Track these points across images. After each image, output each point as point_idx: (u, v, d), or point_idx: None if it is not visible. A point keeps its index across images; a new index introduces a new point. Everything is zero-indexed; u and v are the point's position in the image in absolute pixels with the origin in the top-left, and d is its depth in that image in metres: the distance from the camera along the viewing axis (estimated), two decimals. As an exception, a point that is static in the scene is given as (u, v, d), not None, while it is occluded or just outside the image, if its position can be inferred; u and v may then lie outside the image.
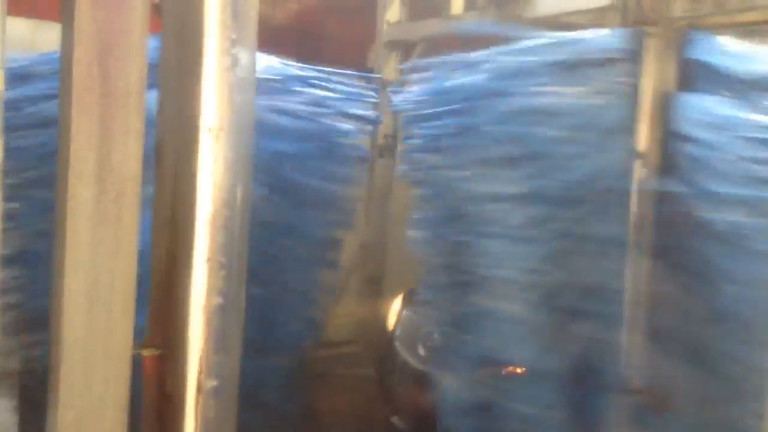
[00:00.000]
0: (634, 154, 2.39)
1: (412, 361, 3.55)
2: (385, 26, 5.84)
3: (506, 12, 4.64)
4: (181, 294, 1.56)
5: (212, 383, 1.61)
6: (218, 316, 1.61)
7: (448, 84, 2.70)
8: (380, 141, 6.01)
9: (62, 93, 1.49)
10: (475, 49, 5.98)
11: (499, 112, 2.44)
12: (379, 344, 4.02)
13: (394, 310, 4.02)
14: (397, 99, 2.99)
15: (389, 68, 5.96)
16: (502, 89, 2.46)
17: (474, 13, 5.13)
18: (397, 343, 3.66)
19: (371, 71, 6.08)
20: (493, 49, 2.60)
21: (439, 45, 5.72)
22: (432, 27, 5.51)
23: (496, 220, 2.45)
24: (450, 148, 2.59)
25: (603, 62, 2.40)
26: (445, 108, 2.62)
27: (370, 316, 5.14)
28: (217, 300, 1.61)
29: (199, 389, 1.58)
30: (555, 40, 2.51)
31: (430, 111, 2.71)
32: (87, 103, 1.46)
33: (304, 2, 5.88)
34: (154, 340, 1.60)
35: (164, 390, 1.58)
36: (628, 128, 2.36)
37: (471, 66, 2.62)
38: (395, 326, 3.82)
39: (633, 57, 2.41)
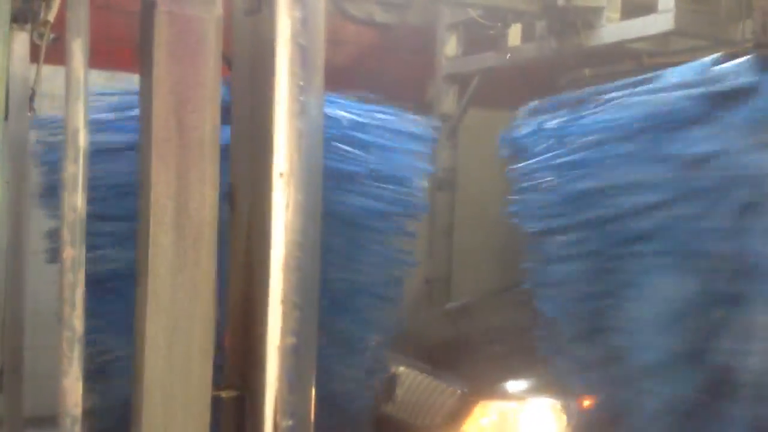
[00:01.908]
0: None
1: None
2: (443, 61, 5.90)
3: (566, 42, 4.63)
4: (257, 335, 1.60)
5: (287, 423, 1.63)
6: (292, 357, 1.64)
7: (587, 120, 2.61)
8: (440, 175, 6.03)
9: (143, 144, 1.56)
10: (534, 79, 5.97)
11: (649, 152, 2.35)
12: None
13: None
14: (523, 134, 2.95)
15: (448, 102, 6.01)
16: (646, 127, 2.38)
17: (532, 44, 5.13)
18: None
19: (430, 105, 6.13)
20: (623, 83, 2.53)
21: (497, 77, 5.74)
22: (489, 60, 5.54)
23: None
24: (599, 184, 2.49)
25: (738, 93, 2.26)
26: (586, 146, 2.54)
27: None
28: (291, 340, 1.64)
29: (275, 429, 1.60)
30: (682, 74, 2.40)
31: (565, 148, 2.64)
32: (165, 153, 1.52)
33: (362, 42, 6.00)
34: (233, 382, 1.64)
35: (243, 431, 1.61)
36: None
37: (601, 101, 2.56)
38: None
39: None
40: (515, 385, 3.36)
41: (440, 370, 3.63)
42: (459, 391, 3.43)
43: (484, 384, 3.42)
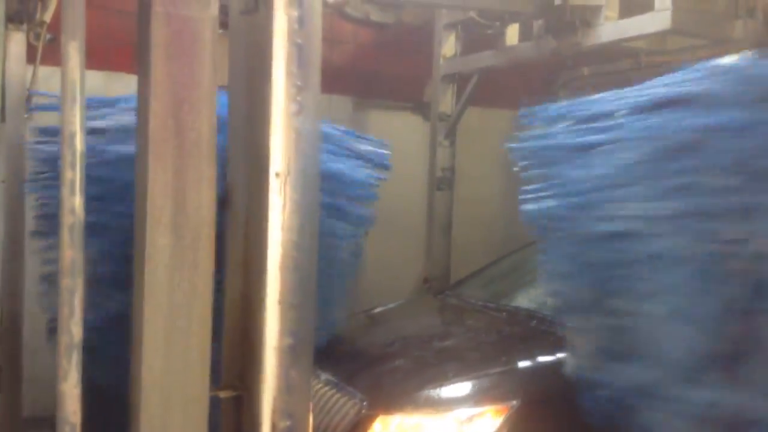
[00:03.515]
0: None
1: None
2: (441, 60, 5.90)
3: (564, 41, 4.63)
4: (255, 336, 1.60)
5: (285, 423, 1.63)
6: (290, 357, 1.64)
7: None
8: (438, 174, 6.03)
9: (140, 144, 1.56)
10: (532, 78, 5.97)
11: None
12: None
13: None
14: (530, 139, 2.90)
15: (446, 101, 6.01)
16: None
17: (530, 43, 5.13)
18: None
19: (428, 105, 6.13)
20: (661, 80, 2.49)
21: (495, 76, 5.75)
22: (487, 59, 5.54)
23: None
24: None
25: None
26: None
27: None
28: (289, 340, 1.64)
29: (273, 429, 1.60)
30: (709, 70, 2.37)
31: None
32: (163, 153, 1.52)
33: (359, 42, 6.00)
34: (230, 382, 1.64)
35: (241, 431, 1.62)
36: None
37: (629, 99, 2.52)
38: None
39: None
40: (423, 397, 3.03)
41: (345, 381, 3.29)
42: (359, 405, 3.12)
43: (388, 396, 3.12)
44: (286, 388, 1.62)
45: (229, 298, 1.69)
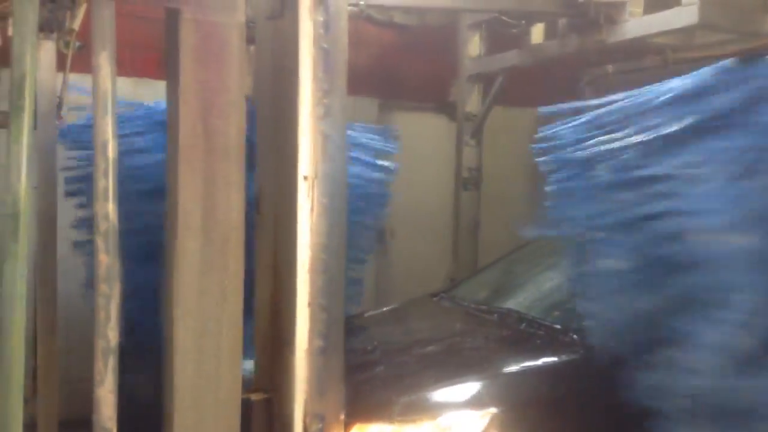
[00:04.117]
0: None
1: None
2: (466, 60, 5.88)
3: (588, 38, 4.59)
4: (285, 338, 1.61)
5: (317, 426, 1.64)
6: (320, 359, 1.65)
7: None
8: (465, 174, 6.01)
9: (170, 150, 1.58)
10: (558, 76, 5.93)
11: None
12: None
13: None
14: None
15: (472, 101, 5.99)
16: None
17: (554, 41, 5.10)
18: None
19: (453, 105, 6.12)
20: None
21: (521, 75, 5.72)
22: (512, 58, 5.51)
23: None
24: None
25: None
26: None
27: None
28: (319, 343, 1.65)
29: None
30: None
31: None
32: (192, 159, 1.54)
33: (383, 44, 6.00)
34: (262, 385, 1.65)
35: (272, 433, 1.63)
36: None
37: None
38: None
39: None
40: (399, 406, 2.87)
41: None
42: None
43: (365, 405, 2.89)
44: (317, 390, 1.63)
45: (258, 300, 1.71)
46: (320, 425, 1.62)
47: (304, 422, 1.59)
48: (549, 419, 2.80)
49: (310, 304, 1.61)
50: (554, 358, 3.13)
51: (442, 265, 6.02)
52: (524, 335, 3.46)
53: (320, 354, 1.65)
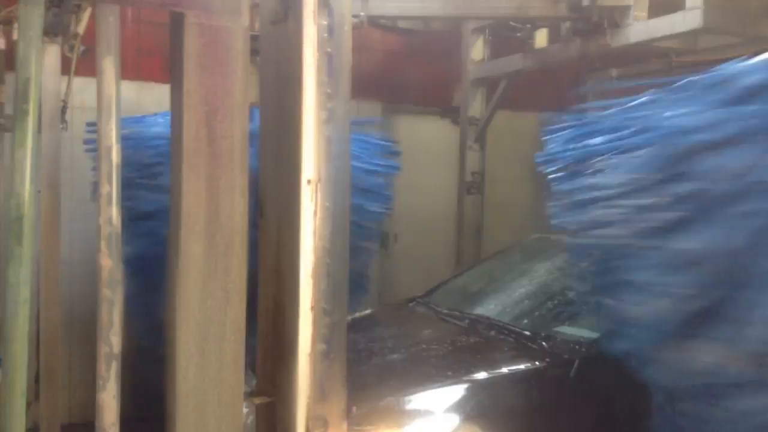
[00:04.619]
0: None
1: None
2: (469, 65, 5.89)
3: (593, 42, 4.59)
4: (288, 342, 1.61)
5: (320, 430, 1.63)
6: (323, 363, 1.65)
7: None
8: (468, 178, 6.02)
9: (174, 154, 1.58)
10: (561, 80, 5.93)
11: None
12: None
13: None
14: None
15: (475, 105, 5.99)
16: None
17: (557, 46, 5.10)
18: None
19: (457, 110, 6.12)
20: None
21: (524, 79, 5.72)
22: (516, 62, 5.52)
23: None
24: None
25: None
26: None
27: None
28: (322, 347, 1.65)
29: (307, 436, 1.61)
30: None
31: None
32: (196, 163, 1.54)
33: (387, 48, 6.01)
34: (264, 388, 1.65)
35: (275, 437, 1.63)
36: None
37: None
38: None
39: None
40: (359, 416, 2.83)
41: None
42: None
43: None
44: (320, 394, 1.63)
45: (261, 304, 1.71)
46: (323, 429, 1.62)
47: (307, 426, 1.59)
48: (513, 427, 2.74)
49: (313, 308, 1.61)
50: (520, 366, 3.07)
51: (445, 269, 6.02)
52: (492, 342, 3.39)
53: (323, 358, 1.65)
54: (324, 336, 1.65)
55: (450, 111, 6.25)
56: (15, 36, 3.37)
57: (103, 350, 1.46)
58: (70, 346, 3.44)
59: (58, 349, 3.32)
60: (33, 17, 1.39)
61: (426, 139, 6.12)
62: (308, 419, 1.60)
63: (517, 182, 6.22)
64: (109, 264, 1.47)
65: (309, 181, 1.63)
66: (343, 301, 1.70)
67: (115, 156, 1.49)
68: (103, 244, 1.47)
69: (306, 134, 1.60)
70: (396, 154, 4.47)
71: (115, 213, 1.47)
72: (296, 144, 1.62)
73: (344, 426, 1.65)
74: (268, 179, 1.74)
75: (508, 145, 6.18)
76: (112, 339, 1.46)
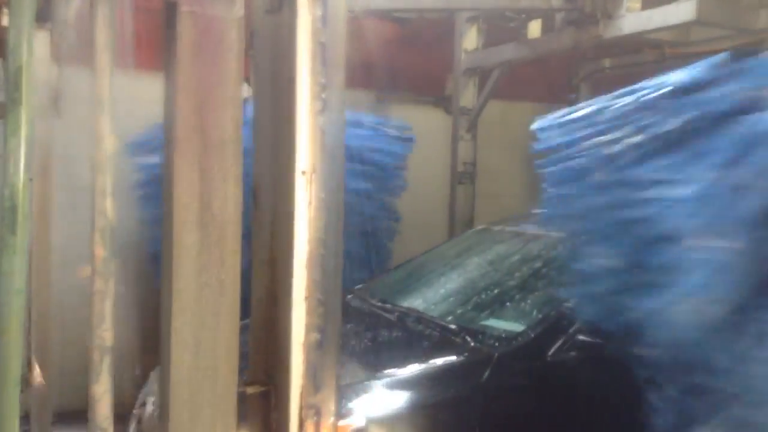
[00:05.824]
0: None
1: None
2: (462, 54, 5.89)
3: (586, 33, 4.59)
4: (281, 332, 1.61)
5: (313, 419, 1.64)
6: (317, 352, 1.65)
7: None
8: (460, 168, 6.02)
9: (166, 144, 1.57)
10: (554, 71, 5.93)
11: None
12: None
13: None
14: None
15: (467, 95, 5.99)
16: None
17: (550, 36, 5.10)
18: None
19: (449, 99, 6.12)
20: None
21: (517, 69, 5.72)
22: (509, 52, 5.52)
23: None
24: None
25: None
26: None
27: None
28: (316, 336, 1.65)
29: (301, 425, 1.62)
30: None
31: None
32: (188, 152, 1.53)
33: (381, 36, 5.99)
34: (258, 378, 1.66)
35: (269, 427, 1.63)
36: None
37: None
38: None
39: None
40: None
41: None
42: None
43: None
44: (313, 383, 1.64)
45: (255, 294, 1.71)
46: (316, 418, 1.63)
47: (300, 415, 1.60)
48: (427, 424, 2.68)
49: (306, 298, 1.61)
50: (439, 361, 2.97)
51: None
52: (415, 336, 3.32)
53: (317, 348, 1.65)
54: (318, 326, 1.66)
55: (442, 100, 6.25)
56: (4, 22, 3.34)
57: (95, 343, 1.46)
58: (61, 335, 3.44)
59: (50, 338, 3.31)
60: (24, 3, 1.38)
61: (418, 129, 6.12)
62: (301, 408, 1.61)
63: (509, 173, 6.24)
64: (102, 254, 1.47)
65: (303, 172, 1.62)
66: (338, 291, 1.71)
67: (109, 147, 1.48)
68: (97, 236, 1.46)
69: (300, 125, 1.60)
70: (409, 140, 4.93)
71: (109, 205, 1.47)
72: (291, 135, 1.61)
73: (336, 415, 1.66)
74: (262, 170, 1.74)
75: (501, 136, 6.20)
76: (105, 334, 1.46)
